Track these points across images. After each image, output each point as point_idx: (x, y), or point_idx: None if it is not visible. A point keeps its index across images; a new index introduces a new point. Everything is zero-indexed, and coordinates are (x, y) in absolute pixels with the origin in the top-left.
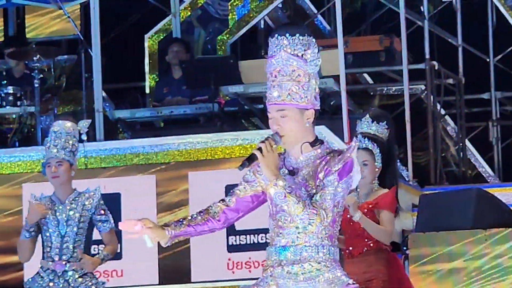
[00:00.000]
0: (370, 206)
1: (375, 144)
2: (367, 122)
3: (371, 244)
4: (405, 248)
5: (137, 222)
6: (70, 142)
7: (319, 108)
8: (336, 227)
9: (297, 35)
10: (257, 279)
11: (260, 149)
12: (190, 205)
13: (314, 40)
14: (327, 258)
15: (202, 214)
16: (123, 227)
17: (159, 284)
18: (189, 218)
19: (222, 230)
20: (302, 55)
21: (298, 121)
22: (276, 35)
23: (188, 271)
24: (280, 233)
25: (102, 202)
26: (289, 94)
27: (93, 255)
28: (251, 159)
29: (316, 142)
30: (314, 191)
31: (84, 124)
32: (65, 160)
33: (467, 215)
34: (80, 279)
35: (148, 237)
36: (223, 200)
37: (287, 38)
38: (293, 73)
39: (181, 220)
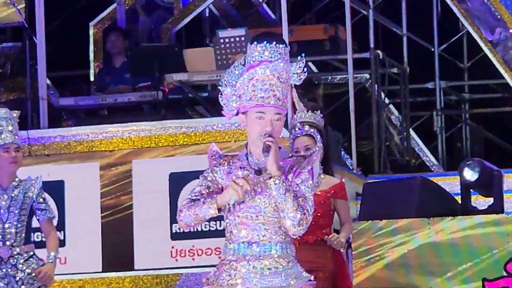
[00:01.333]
0: (328, 195)
1: (315, 130)
2: (303, 112)
3: (324, 233)
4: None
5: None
6: (17, 129)
7: None
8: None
9: (288, 46)
10: (200, 267)
11: (272, 142)
12: (133, 193)
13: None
14: (290, 255)
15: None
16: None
17: (102, 272)
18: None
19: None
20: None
21: (282, 126)
22: (275, 42)
23: (131, 259)
24: (244, 229)
25: (42, 191)
26: (285, 100)
27: (36, 242)
28: (268, 148)
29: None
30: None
31: (15, 115)
32: (20, 146)
33: (410, 203)
34: (26, 263)
35: (235, 197)
36: (198, 195)
37: (284, 47)
38: (286, 81)
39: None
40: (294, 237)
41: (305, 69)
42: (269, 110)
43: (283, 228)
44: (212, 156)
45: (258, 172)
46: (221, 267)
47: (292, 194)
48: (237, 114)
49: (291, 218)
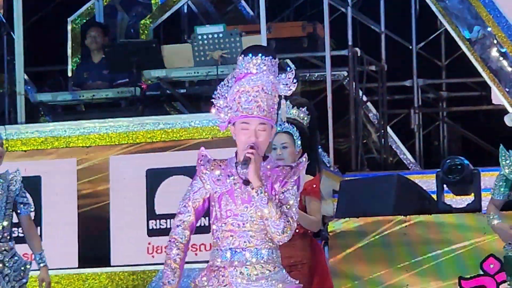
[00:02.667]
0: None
1: (294, 128)
2: (288, 107)
3: (298, 230)
4: (325, 233)
5: None
6: None
7: None
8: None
9: (276, 58)
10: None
11: (253, 154)
12: (110, 189)
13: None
14: (275, 260)
15: (179, 249)
16: None
17: (78, 268)
18: (176, 262)
19: None
20: (277, 77)
21: (269, 136)
22: (260, 54)
23: (108, 255)
24: (231, 236)
25: (22, 184)
26: (269, 111)
27: (15, 238)
28: (247, 162)
29: (264, 155)
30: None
31: None
32: (2, 141)
33: (387, 201)
34: (12, 259)
35: None
36: (181, 220)
37: (270, 59)
38: (272, 92)
39: (174, 269)
40: (280, 243)
41: (295, 80)
42: (252, 120)
43: (269, 235)
44: (200, 161)
45: (246, 182)
46: (210, 273)
47: (275, 203)
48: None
49: (275, 226)
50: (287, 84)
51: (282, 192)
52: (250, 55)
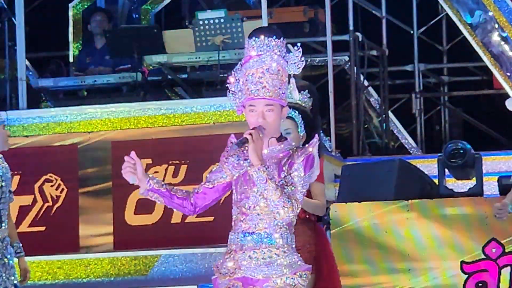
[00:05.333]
0: None
1: (297, 113)
2: (289, 92)
3: (300, 214)
4: (327, 218)
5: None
6: None
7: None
8: (294, 216)
9: (282, 38)
10: (178, 248)
11: (251, 134)
12: (112, 174)
13: (298, 44)
14: (284, 244)
15: (183, 191)
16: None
17: (80, 253)
18: (173, 187)
19: (192, 215)
20: (284, 57)
21: (279, 117)
22: (263, 36)
23: (110, 240)
24: (243, 219)
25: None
26: (276, 91)
27: None
28: (242, 142)
29: (281, 137)
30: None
31: None
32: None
33: (389, 186)
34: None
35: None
36: (194, 189)
37: (275, 40)
38: (279, 72)
39: (165, 184)
40: (284, 223)
41: (303, 58)
42: (258, 102)
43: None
44: (229, 147)
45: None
46: (225, 256)
47: (276, 182)
48: None
49: (274, 206)
50: (295, 63)
51: (289, 174)
52: (253, 37)
